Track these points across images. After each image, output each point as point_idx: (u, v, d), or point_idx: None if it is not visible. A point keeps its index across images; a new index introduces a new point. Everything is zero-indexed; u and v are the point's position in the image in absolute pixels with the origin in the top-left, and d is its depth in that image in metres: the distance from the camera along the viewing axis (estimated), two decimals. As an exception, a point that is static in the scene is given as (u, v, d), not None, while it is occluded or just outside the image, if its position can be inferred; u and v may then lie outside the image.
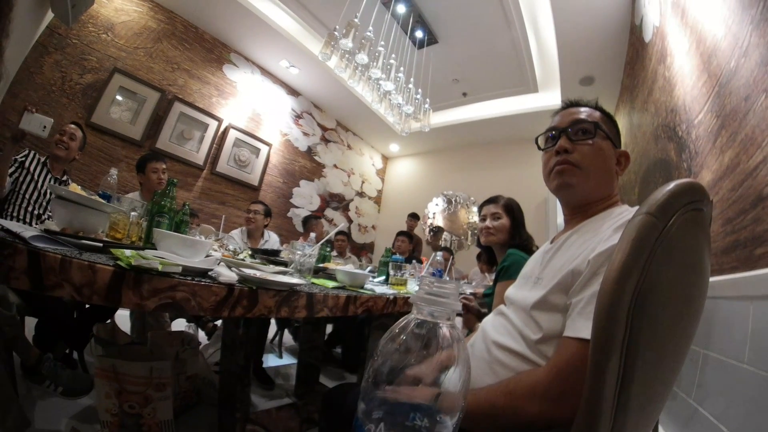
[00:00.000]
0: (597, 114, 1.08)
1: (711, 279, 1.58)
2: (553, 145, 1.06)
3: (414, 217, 6.75)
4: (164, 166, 3.10)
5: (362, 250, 8.16)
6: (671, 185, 0.61)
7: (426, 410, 0.39)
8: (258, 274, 1.12)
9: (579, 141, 1.03)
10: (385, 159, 9.15)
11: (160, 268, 0.83)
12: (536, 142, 1.19)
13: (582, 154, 1.02)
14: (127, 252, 0.91)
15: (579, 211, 1.06)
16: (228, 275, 0.99)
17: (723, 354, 1.55)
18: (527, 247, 2.18)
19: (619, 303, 0.57)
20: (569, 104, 1.14)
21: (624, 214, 0.90)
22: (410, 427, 0.37)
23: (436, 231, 7.04)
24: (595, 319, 0.60)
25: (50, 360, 1.91)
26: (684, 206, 0.61)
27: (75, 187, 1.49)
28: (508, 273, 1.89)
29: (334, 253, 5.48)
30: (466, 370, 0.43)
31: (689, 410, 1.74)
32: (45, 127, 2.33)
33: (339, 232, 5.64)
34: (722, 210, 1.73)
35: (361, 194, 8.29)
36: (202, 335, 3.15)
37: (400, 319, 0.41)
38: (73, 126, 2.87)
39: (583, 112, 1.08)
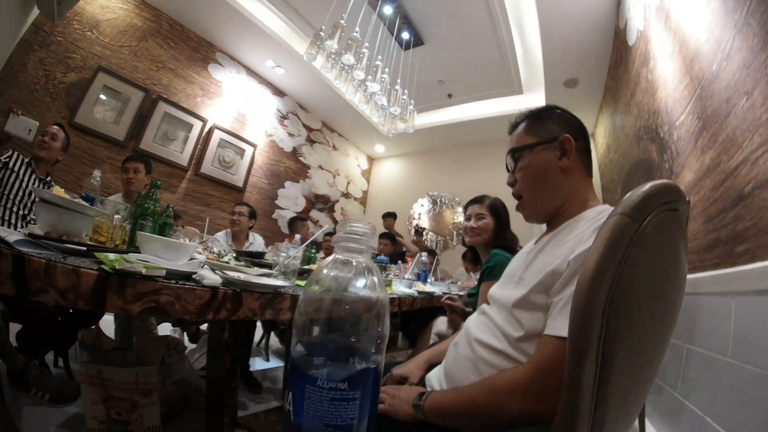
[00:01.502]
0: (518, 135, 1.12)
1: (693, 276, 1.61)
2: None
3: (389, 216, 6.71)
4: (137, 166, 3.05)
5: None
6: (646, 186, 0.62)
7: (364, 352, 0.40)
8: (242, 276, 1.11)
9: (516, 171, 1.10)
10: (371, 160, 9.17)
11: (144, 271, 0.82)
12: None
13: (519, 182, 1.09)
14: (111, 256, 0.90)
15: (553, 219, 1.07)
16: (212, 278, 0.98)
17: (707, 348, 1.58)
18: (512, 247, 2.18)
19: (595, 302, 0.58)
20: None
21: (603, 214, 0.91)
22: (350, 368, 0.38)
23: (420, 231, 7.02)
24: (572, 317, 0.61)
25: (36, 367, 1.88)
26: (659, 206, 0.62)
27: (59, 190, 1.47)
28: (492, 273, 1.90)
29: (321, 254, 5.47)
30: (387, 303, 0.45)
31: (675, 404, 1.77)
32: (30, 130, 2.30)
33: (327, 233, 5.64)
34: (703, 209, 1.76)
35: (346, 195, 8.30)
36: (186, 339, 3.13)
37: (324, 261, 0.43)
38: (55, 127, 2.83)
39: (510, 141, 1.15)
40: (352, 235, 0.44)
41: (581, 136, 1.06)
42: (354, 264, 0.44)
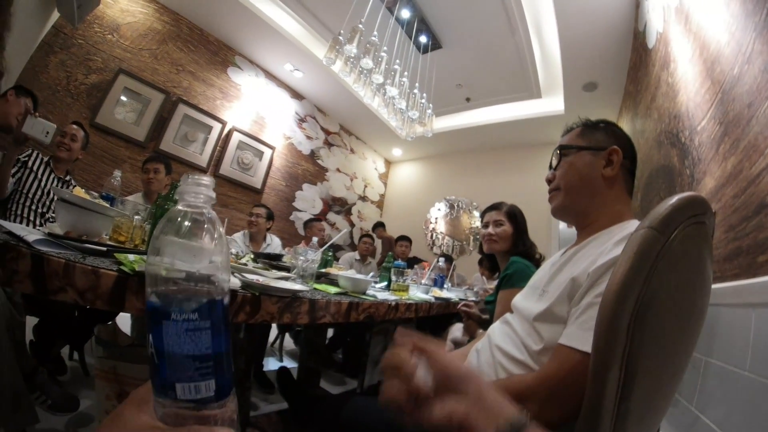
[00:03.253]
0: (575, 133, 1.15)
1: (713, 286, 1.57)
2: None
3: (379, 226, 6.64)
4: (157, 166, 3.09)
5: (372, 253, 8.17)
6: (674, 199, 0.62)
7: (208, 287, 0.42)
8: (261, 279, 1.12)
9: (558, 168, 1.12)
10: (388, 163, 9.15)
11: (163, 273, 0.83)
12: None
13: (558, 177, 1.11)
14: (131, 257, 0.91)
15: (584, 226, 1.09)
16: (231, 281, 0.99)
17: (724, 361, 1.54)
18: (530, 254, 2.17)
19: (621, 315, 0.57)
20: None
21: (627, 227, 0.91)
22: (199, 300, 0.41)
23: (377, 226, 6.89)
24: (596, 330, 0.61)
25: (44, 374, 1.92)
26: (686, 220, 0.61)
27: (79, 191, 1.49)
28: (511, 281, 1.87)
29: (357, 256, 5.48)
30: (226, 243, 0.47)
31: (691, 417, 1.73)
32: (48, 133, 2.30)
33: (366, 235, 5.66)
34: (725, 217, 1.73)
35: (363, 198, 8.29)
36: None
37: (169, 212, 0.44)
38: (74, 126, 2.85)
39: (562, 140, 1.17)
40: (194, 185, 0.46)
41: (630, 155, 1.09)
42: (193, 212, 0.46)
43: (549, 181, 1.15)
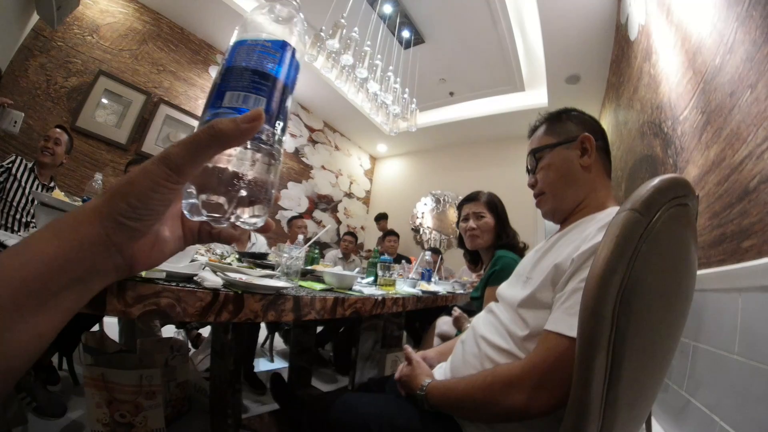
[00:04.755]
0: (541, 131, 1.15)
1: (699, 272, 1.59)
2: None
3: (382, 218, 6.68)
4: None
5: (354, 251, 8.16)
6: (655, 181, 0.61)
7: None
8: (243, 278, 1.10)
9: (537, 172, 1.12)
10: (373, 159, 9.17)
11: (143, 274, 0.81)
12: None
13: (541, 181, 1.11)
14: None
15: (569, 216, 1.08)
16: (213, 280, 0.97)
17: (713, 345, 1.57)
18: (514, 244, 2.12)
19: (605, 300, 0.57)
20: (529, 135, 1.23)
21: (610, 213, 0.91)
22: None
23: (381, 217, 6.91)
24: (581, 317, 0.60)
25: (32, 376, 1.88)
26: (669, 201, 0.61)
27: (58, 194, 1.47)
28: (499, 277, 1.81)
29: (340, 254, 5.47)
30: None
31: (681, 401, 1.76)
32: (15, 122, 2.21)
33: (347, 233, 5.66)
34: (709, 204, 1.74)
35: (349, 195, 8.30)
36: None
37: None
38: (58, 130, 2.81)
39: (531, 143, 1.17)
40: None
41: (600, 136, 1.09)
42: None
43: (532, 186, 1.15)
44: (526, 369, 0.78)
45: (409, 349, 1.21)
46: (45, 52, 3.90)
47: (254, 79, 0.42)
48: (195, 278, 0.98)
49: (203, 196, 0.42)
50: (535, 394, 0.75)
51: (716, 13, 1.74)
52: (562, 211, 1.09)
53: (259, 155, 0.43)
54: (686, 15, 2.10)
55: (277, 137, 0.45)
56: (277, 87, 0.44)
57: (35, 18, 3.61)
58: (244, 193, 0.42)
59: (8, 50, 3.48)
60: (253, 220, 0.44)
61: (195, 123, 5.12)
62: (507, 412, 0.79)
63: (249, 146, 0.42)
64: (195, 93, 5.32)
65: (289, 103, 0.47)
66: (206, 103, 0.43)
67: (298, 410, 1.37)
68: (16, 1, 3.17)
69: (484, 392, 0.82)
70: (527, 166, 1.17)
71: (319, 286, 1.53)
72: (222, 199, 0.42)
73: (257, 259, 1.92)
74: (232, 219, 0.43)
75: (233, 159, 0.42)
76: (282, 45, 0.45)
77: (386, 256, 2.19)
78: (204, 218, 0.42)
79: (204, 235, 0.48)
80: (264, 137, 0.43)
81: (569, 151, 1.06)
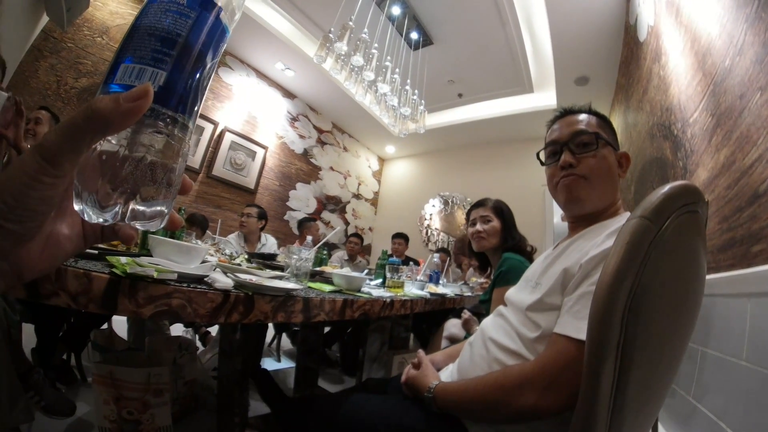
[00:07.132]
0: (594, 121, 1.08)
1: (708, 277, 1.58)
2: (557, 160, 1.06)
3: (400, 237, 6.36)
4: None
5: (360, 252, 8.17)
6: (666, 188, 0.61)
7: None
8: (254, 279, 1.11)
9: (582, 154, 1.03)
10: (381, 161, 9.16)
11: (155, 275, 0.82)
12: (538, 157, 1.18)
13: (588, 166, 1.02)
14: (123, 259, 0.91)
15: (583, 219, 1.07)
16: (224, 281, 0.98)
17: (721, 351, 1.55)
18: (521, 248, 2.14)
19: (614, 307, 0.57)
20: (565, 112, 1.13)
21: (620, 220, 0.91)
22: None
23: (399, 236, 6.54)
24: (590, 323, 0.60)
25: (41, 374, 1.89)
26: (679, 209, 0.61)
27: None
28: (506, 278, 1.84)
29: (346, 256, 5.48)
30: None
31: (688, 408, 1.74)
32: None
33: (352, 234, 5.65)
34: (718, 208, 1.73)
35: (357, 196, 8.29)
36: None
37: None
38: (42, 111, 2.65)
39: (581, 122, 1.07)
40: None
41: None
42: None
43: (570, 165, 1.03)
44: (537, 369, 0.79)
45: (422, 353, 1.21)
46: (55, 53, 3.93)
47: (155, 48, 0.35)
48: (206, 279, 0.99)
49: (86, 193, 0.35)
50: (545, 394, 0.76)
51: (725, 15, 1.73)
52: (591, 203, 1.03)
53: (155, 142, 0.36)
54: (695, 16, 2.09)
55: (180, 120, 0.37)
56: (186, 57, 0.37)
57: (45, 19, 3.64)
58: (138, 187, 0.35)
59: (18, 51, 3.51)
60: (152, 221, 0.38)
61: (204, 123, 5.21)
62: (518, 412, 0.79)
63: (145, 130, 0.35)
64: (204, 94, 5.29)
65: (207, 76, 0.41)
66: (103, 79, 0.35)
67: (292, 413, 1.34)
68: (26, 2, 3.19)
69: (495, 392, 0.83)
70: (567, 141, 1.05)
71: (327, 288, 1.54)
72: (111, 196, 0.35)
73: (267, 260, 1.93)
74: (126, 219, 0.36)
75: (123, 146, 0.35)
76: (201, 2, 0.37)
77: (394, 258, 2.20)
78: (93, 220, 0.35)
79: (108, 232, 0.42)
80: (162, 119, 0.36)
81: (614, 157, 1.04)
